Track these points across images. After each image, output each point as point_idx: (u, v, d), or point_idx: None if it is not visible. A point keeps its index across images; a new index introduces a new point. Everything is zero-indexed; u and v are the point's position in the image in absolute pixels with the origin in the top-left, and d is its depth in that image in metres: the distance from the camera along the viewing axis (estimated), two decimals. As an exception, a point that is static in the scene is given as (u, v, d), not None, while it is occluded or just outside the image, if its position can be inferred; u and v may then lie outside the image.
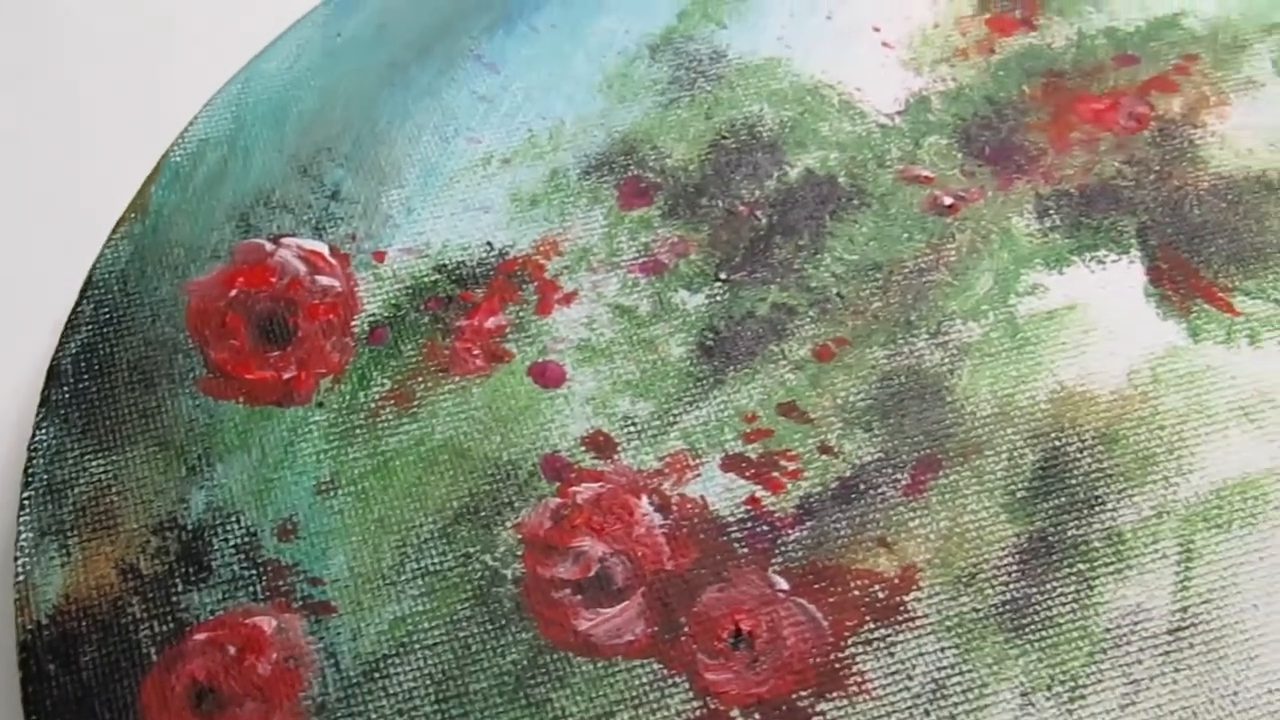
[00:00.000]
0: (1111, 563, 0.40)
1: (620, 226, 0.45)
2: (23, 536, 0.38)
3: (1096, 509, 0.41)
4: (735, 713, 0.36)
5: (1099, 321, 0.44)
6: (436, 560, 0.39)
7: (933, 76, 0.50)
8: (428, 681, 0.37)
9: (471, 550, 0.39)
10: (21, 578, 0.37)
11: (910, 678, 0.38)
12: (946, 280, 0.45)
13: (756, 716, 0.36)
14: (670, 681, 0.37)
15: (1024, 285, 0.45)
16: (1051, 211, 0.46)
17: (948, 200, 0.46)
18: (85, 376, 0.41)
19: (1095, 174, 0.47)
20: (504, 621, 0.38)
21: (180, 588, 0.38)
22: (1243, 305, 0.45)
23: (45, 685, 0.36)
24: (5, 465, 0.42)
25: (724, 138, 0.48)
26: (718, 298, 0.44)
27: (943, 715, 0.36)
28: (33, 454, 0.39)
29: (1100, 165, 0.48)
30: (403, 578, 0.39)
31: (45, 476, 0.39)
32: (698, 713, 0.36)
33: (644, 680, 0.37)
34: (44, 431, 0.40)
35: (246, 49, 0.50)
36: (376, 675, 0.37)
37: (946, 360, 0.43)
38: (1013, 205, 0.46)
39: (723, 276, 0.44)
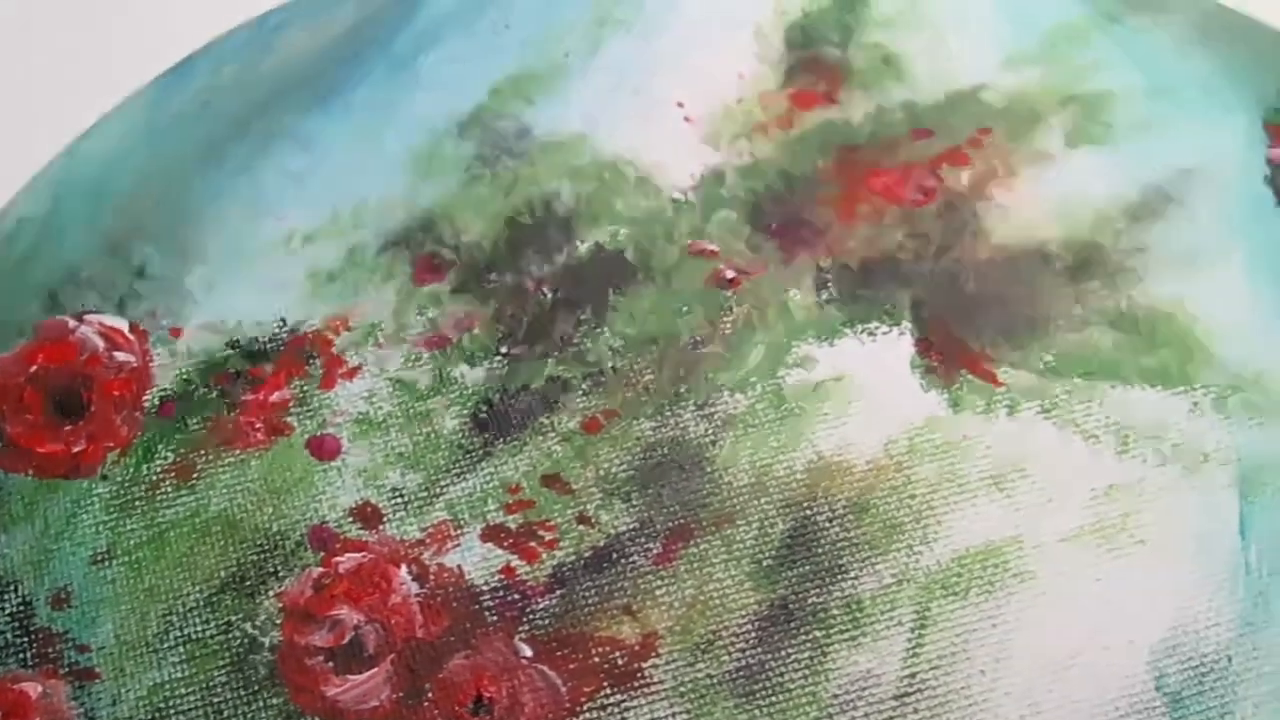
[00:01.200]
0: (847, 629, 0.42)
1: (410, 302, 0.48)
2: None
3: (839, 577, 0.43)
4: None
5: (863, 392, 0.47)
6: (199, 628, 0.42)
7: (731, 151, 0.52)
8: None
9: (234, 618, 0.42)
10: None
11: None
12: (719, 353, 0.47)
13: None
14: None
15: (794, 357, 0.47)
16: (830, 284, 0.49)
17: (730, 274, 0.49)
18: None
19: (878, 247, 0.50)
20: (257, 688, 0.41)
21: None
22: (1006, 376, 0.47)
23: None
24: None
25: (520, 214, 0.50)
26: (496, 371, 0.47)
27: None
28: None
29: (883, 238, 0.50)
30: (165, 645, 0.41)
31: None
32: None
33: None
34: None
35: (82, 123, 0.52)
36: (131, 739, 0.39)
37: (710, 431, 0.46)
38: (793, 278, 0.49)
39: (503, 351, 0.47)
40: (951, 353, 0.47)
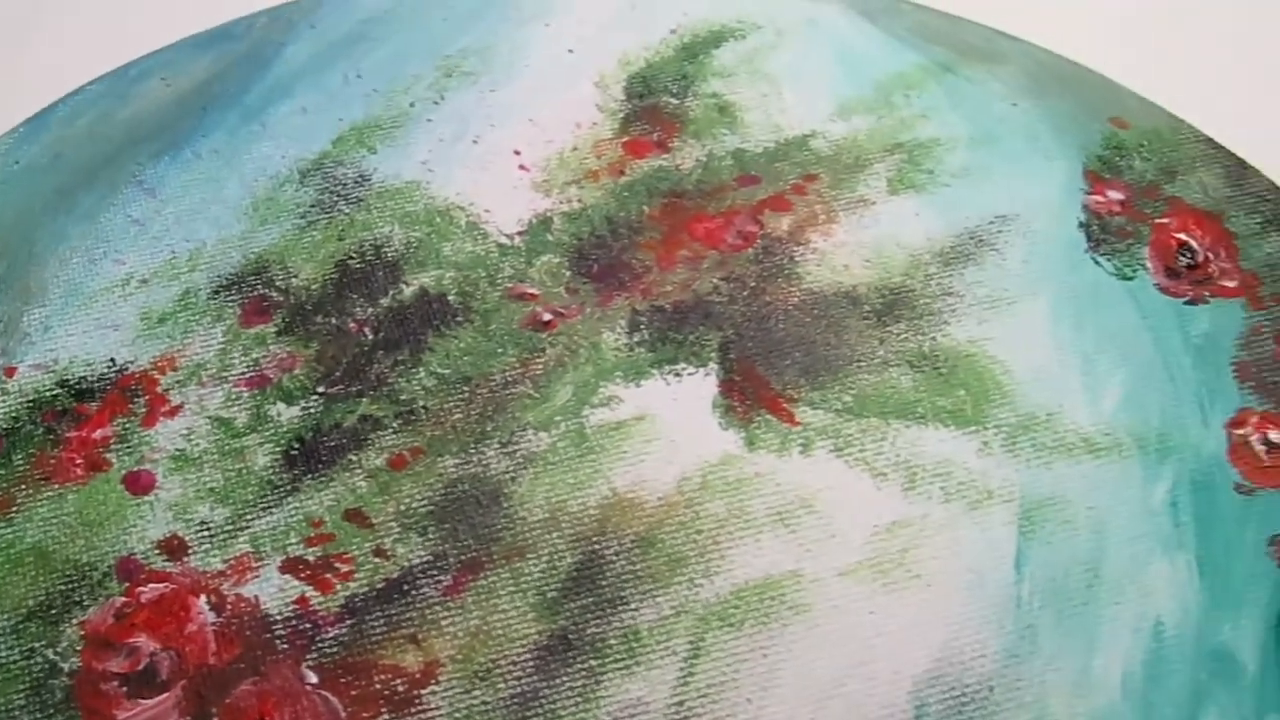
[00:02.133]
0: (623, 659, 0.45)
1: (236, 343, 0.51)
2: None
3: (620, 608, 0.45)
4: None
5: (663, 431, 0.49)
6: (4, 654, 0.44)
7: (561, 198, 0.55)
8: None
9: (37, 645, 0.44)
10: None
11: None
12: (528, 393, 0.50)
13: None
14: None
15: (600, 397, 0.50)
16: (643, 326, 0.51)
17: (546, 316, 0.52)
18: None
19: (693, 290, 0.53)
20: (51, 711, 0.43)
21: None
22: (804, 415, 0.50)
23: None
24: None
25: (351, 258, 0.53)
26: (312, 410, 0.49)
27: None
28: None
29: (699, 282, 0.53)
30: (-30, 670, 0.44)
31: None
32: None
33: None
34: None
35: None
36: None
37: (511, 468, 0.48)
38: (607, 321, 0.52)
39: (320, 390, 0.50)
40: (753, 393, 0.50)
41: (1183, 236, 0.55)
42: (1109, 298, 0.53)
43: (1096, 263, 0.54)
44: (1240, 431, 0.50)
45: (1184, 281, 0.54)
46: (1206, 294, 0.53)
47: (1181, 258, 0.54)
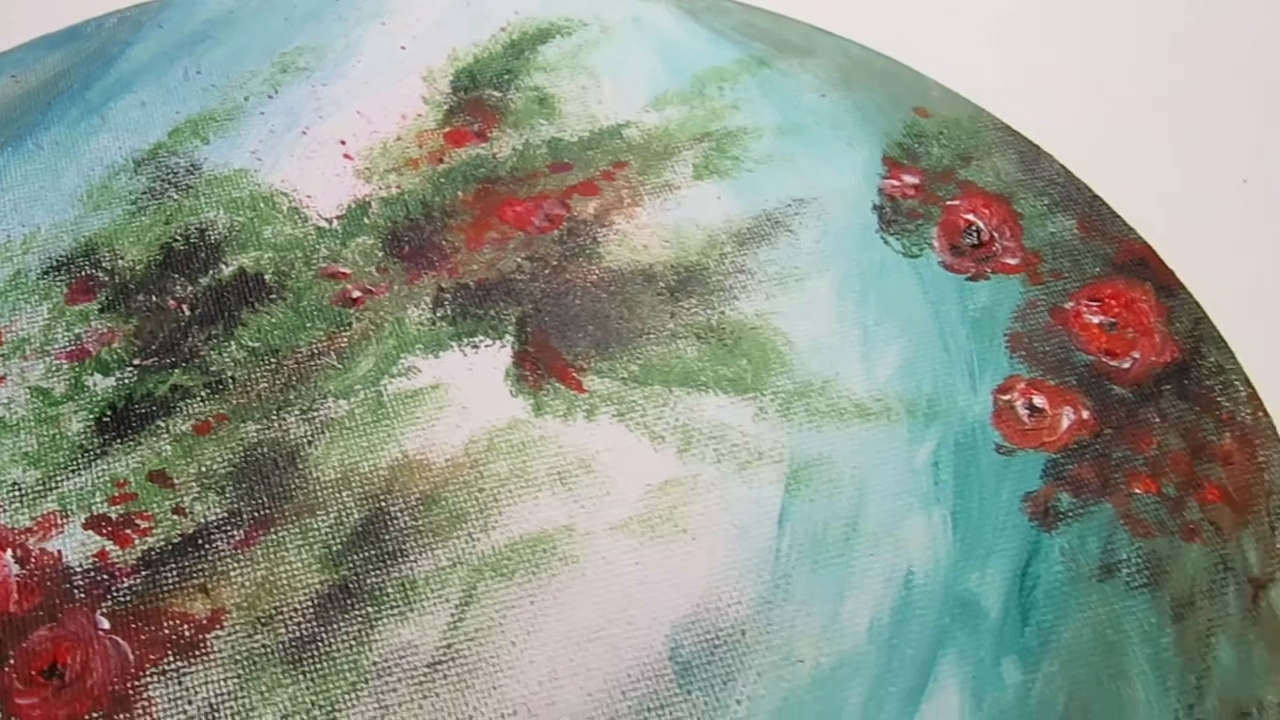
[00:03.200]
0: (398, 606, 0.48)
1: (61, 319, 0.55)
2: None
3: (400, 560, 0.49)
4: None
5: (456, 399, 0.53)
6: None
7: (380, 184, 0.59)
8: None
9: None
10: None
11: (190, 703, 0.46)
12: (332, 364, 0.54)
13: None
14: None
15: (399, 368, 0.54)
16: (446, 302, 0.55)
17: (356, 294, 0.56)
18: None
19: (498, 269, 0.57)
20: None
21: None
22: (591, 384, 0.53)
23: None
24: None
25: (175, 241, 0.57)
26: (126, 380, 0.53)
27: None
28: None
29: (504, 261, 0.57)
30: None
31: None
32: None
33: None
34: None
35: None
36: None
37: (310, 433, 0.52)
38: (414, 298, 0.55)
39: (135, 362, 0.54)
40: (545, 363, 0.54)
41: (970, 217, 0.58)
42: (894, 274, 0.56)
43: (885, 242, 0.58)
44: (1006, 397, 0.53)
45: (968, 259, 0.57)
46: (989, 270, 0.57)
47: (967, 237, 0.58)
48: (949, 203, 0.58)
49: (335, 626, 0.47)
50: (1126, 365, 0.54)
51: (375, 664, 0.46)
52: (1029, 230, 0.58)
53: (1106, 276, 0.56)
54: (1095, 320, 0.55)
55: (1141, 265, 0.57)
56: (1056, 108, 0.64)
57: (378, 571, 0.48)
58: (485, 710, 0.46)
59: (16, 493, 0.50)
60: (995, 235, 0.58)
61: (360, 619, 0.47)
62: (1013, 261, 0.57)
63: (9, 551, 0.49)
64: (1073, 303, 0.55)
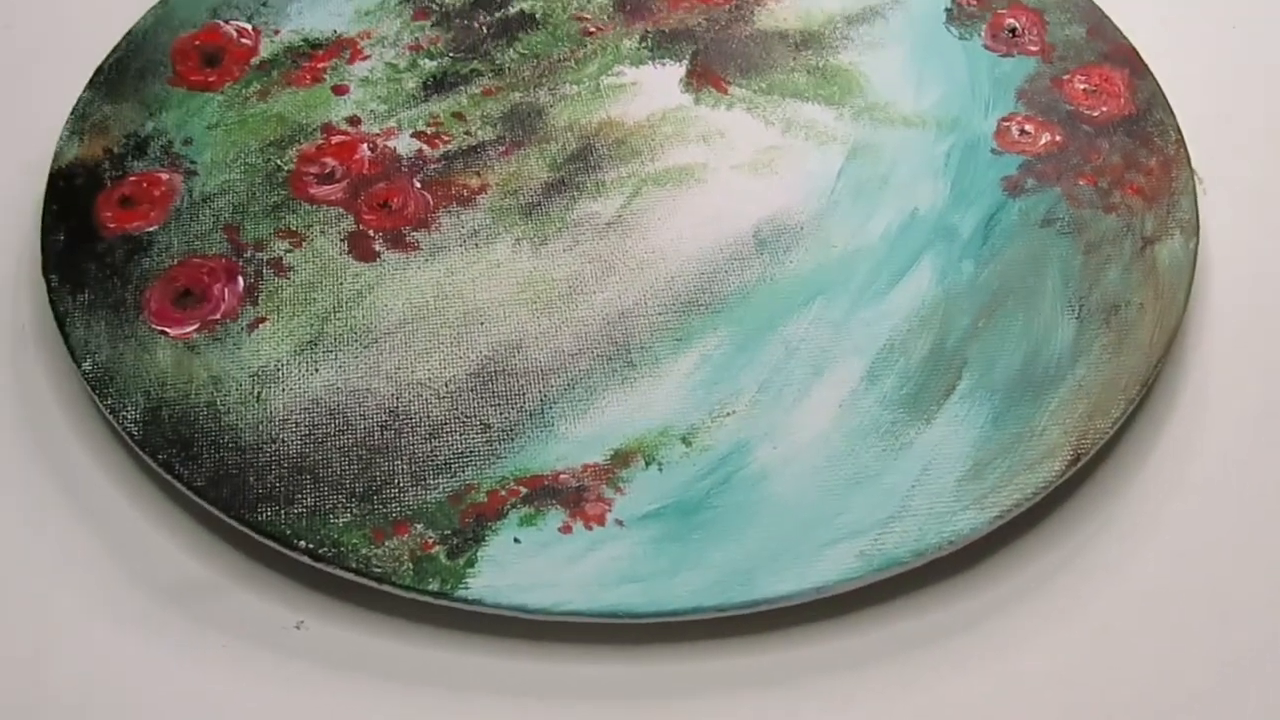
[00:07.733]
0: (591, 193, 0.83)
1: (407, 28, 0.93)
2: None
3: (597, 169, 0.84)
4: None
5: (645, 90, 0.89)
6: (256, 159, 0.87)
7: (618, -31, 0.96)
8: None
9: (272, 157, 0.87)
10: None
11: (460, 230, 0.84)
12: (570, 66, 0.91)
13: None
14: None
15: (613, 72, 0.91)
16: (649, 39, 0.92)
17: (591, 29, 0.93)
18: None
19: (684, 22, 0.93)
20: (277, 187, 0.86)
21: None
22: (734, 91, 0.89)
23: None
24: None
25: (484, -9, 0.95)
26: (442, 64, 0.91)
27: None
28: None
29: (690, 18, 0.93)
30: None
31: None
32: None
33: None
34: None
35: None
36: None
37: (552, 101, 0.89)
38: (628, 35, 0.92)
39: (450, 55, 0.92)
40: (705, 77, 0.90)
41: (1010, 21, 0.92)
42: (949, 48, 0.89)
43: (948, 30, 0.92)
44: (1006, 123, 0.87)
45: (1002, 44, 0.91)
46: (1015, 52, 0.90)
47: (1006, 30, 0.91)
48: (999, 10, 0.92)
49: (552, 199, 0.83)
50: (1096, 114, 0.86)
51: (574, 219, 0.82)
52: (1051, 31, 0.91)
53: (1097, 63, 0.89)
54: (1081, 86, 0.88)
55: (1125, 58, 0.89)
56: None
57: (582, 173, 0.84)
58: (636, 251, 0.81)
59: (373, 115, 0.88)
60: (1026, 32, 0.91)
61: (567, 198, 0.83)
62: (1034, 49, 0.90)
63: (364, 145, 0.86)
64: (1069, 76, 0.88)
